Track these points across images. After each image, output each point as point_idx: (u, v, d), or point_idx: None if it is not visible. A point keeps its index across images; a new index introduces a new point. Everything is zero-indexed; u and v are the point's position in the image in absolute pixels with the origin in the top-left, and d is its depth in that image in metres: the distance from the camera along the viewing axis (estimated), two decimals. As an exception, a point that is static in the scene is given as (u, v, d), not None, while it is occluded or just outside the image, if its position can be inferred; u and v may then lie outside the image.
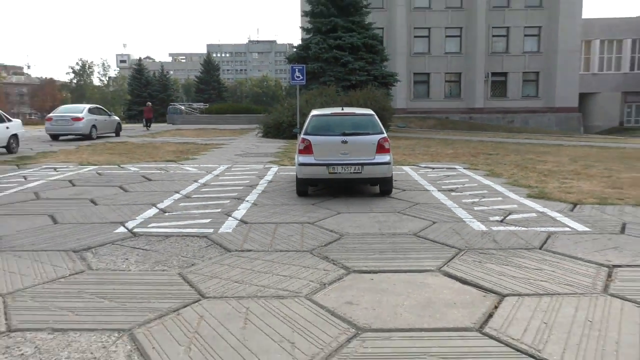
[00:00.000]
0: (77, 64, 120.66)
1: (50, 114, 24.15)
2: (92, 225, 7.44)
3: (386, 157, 9.26)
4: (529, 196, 9.49)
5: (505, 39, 41.33)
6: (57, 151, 18.59)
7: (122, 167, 14.07)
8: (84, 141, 23.02)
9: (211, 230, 7.11)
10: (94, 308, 4.43)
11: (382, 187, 9.58)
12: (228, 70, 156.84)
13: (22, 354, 3.61)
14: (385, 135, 9.42)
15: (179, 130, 33.46)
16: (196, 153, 17.97)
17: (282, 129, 24.23)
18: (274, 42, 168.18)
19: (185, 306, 4.45)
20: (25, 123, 28.01)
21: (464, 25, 40.92)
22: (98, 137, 24.47)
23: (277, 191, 10.27)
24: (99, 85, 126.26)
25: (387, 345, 3.72)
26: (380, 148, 9.23)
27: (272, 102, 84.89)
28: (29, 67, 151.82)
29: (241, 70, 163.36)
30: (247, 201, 9.22)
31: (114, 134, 26.42)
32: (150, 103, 40.42)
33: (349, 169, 9.08)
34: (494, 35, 41.18)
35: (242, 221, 7.67)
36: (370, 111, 10.30)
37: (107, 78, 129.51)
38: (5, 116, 17.62)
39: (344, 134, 9.25)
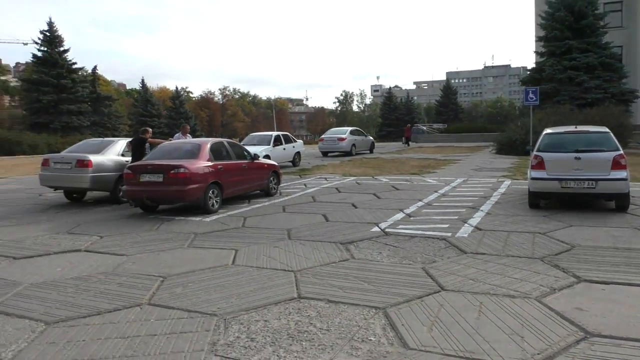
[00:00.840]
0: (341, 94, 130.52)
1: (322, 136, 26.83)
2: (353, 224, 8.17)
3: (622, 174, 8.27)
4: None
5: None
6: (326, 165, 20.54)
7: (375, 178, 14.98)
8: (345, 157, 24.94)
9: (449, 234, 7.24)
10: (357, 288, 4.93)
11: (618, 202, 8.55)
12: (465, 93, 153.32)
13: (309, 315, 4.25)
14: (621, 152, 8.42)
15: (421, 147, 34.01)
16: (436, 167, 18.16)
17: (515, 146, 22.99)
18: (508, 66, 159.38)
19: (427, 295, 4.68)
20: (304, 143, 31.39)
21: None
22: (356, 154, 26.28)
23: (509, 203, 9.91)
24: (357, 111, 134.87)
25: (616, 351, 3.44)
26: (616, 164, 8.28)
27: (506, 122, 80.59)
28: (306, 99, 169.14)
29: (477, 93, 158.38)
30: (482, 210, 9.09)
31: (368, 151, 28.05)
32: (409, 124, 42.17)
33: (582, 184, 8.35)
34: None
35: (477, 228, 7.63)
36: (605, 128, 9.29)
37: (363, 105, 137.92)
38: (293, 138, 20.20)
39: (577, 151, 8.52)
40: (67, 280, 5.45)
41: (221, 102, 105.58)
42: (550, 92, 27.25)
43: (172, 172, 8.90)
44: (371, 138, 28.84)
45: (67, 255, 6.64)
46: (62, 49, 45.30)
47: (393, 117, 77.62)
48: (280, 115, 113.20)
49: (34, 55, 44.99)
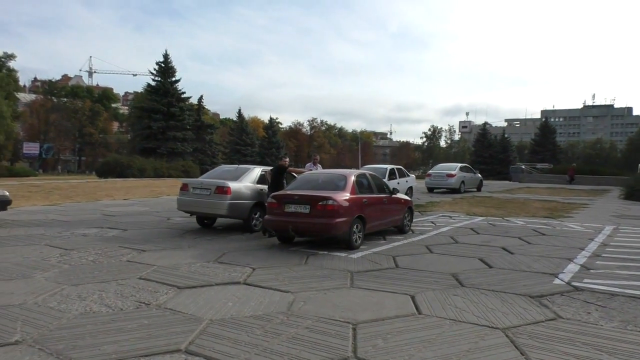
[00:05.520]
0: (429, 129, 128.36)
1: (430, 171, 25.86)
2: (525, 274, 7.21)
3: None
4: None
5: None
6: (439, 202, 19.54)
7: (506, 220, 13.82)
8: (454, 194, 23.75)
9: (658, 296, 6.11)
10: (589, 358, 4.05)
11: None
12: (560, 133, 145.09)
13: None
14: None
15: (530, 188, 31.93)
16: (567, 211, 16.59)
17: (650, 191, 20.76)
18: (610, 106, 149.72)
19: None
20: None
21: None
22: (465, 191, 25.00)
23: (697, 260, 8.46)
24: (444, 147, 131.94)
25: None
26: None
27: (605, 164, 75.10)
28: (390, 133, 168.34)
29: (574, 133, 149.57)
30: (670, 267, 7.78)
31: (475, 189, 26.66)
32: (574, 164, 42.19)
33: None
34: None
35: (688, 290, 6.41)
36: None
37: (450, 141, 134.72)
38: (406, 172, 19.46)
39: None
40: (247, 318, 5.00)
41: (309, 134, 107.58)
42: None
43: (320, 203, 8.45)
44: (480, 176, 27.39)
45: (229, 287, 6.27)
46: (173, 79, 48.13)
47: (487, 155, 74.87)
48: (365, 148, 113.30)
49: (149, 85, 48.20)
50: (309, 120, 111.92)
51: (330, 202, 8.44)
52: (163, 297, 5.75)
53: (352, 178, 9.32)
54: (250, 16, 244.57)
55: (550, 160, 69.15)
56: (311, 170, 12.15)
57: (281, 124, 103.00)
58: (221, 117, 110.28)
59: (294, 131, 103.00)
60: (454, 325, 4.87)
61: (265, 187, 10.89)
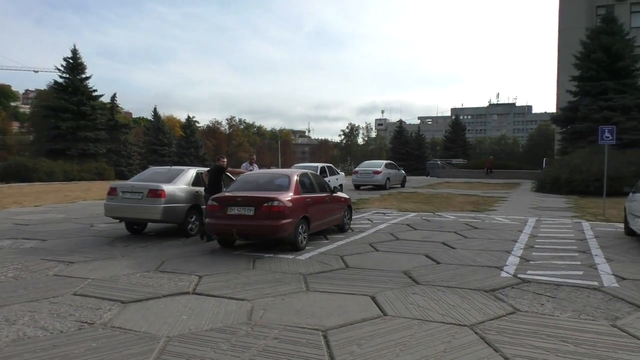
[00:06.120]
0: (347, 127, 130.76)
1: (356, 168, 26.15)
2: (473, 268, 7.38)
3: None
4: None
5: None
6: (369, 198, 19.79)
7: (438, 215, 14.24)
8: (381, 191, 24.19)
9: (596, 283, 6.46)
10: (566, 352, 4.15)
11: None
12: (469, 130, 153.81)
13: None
14: None
15: (448, 183, 33.34)
16: (489, 204, 17.44)
17: (558, 184, 22.32)
18: (513, 104, 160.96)
19: None
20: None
21: None
22: (390, 188, 25.54)
23: (616, 247, 9.12)
24: (361, 144, 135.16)
25: None
26: None
27: (510, 159, 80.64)
28: (309, 131, 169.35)
29: (481, 130, 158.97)
30: (597, 255, 8.32)
31: (400, 185, 27.30)
32: (492, 157, 47.19)
33: None
34: None
35: (618, 276, 6.85)
36: None
37: (367, 138, 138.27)
38: (336, 170, 19.54)
39: None
40: (208, 332, 4.65)
41: (227, 132, 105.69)
42: (585, 131, 26.82)
43: (266, 205, 8.16)
44: (403, 172, 28.14)
45: (179, 299, 5.84)
46: (83, 76, 45.10)
47: (404, 152, 77.38)
48: (284, 147, 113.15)
49: (56, 82, 44.78)
50: (227, 119, 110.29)
51: (276, 203, 8.18)
52: (107, 314, 5.23)
53: (295, 178, 9.10)
54: (163, 12, 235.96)
55: (461, 155, 72.79)
56: (248, 170, 11.76)
57: (198, 122, 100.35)
58: (134, 116, 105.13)
59: (212, 130, 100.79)
60: (423, 325, 4.83)
61: (201, 189, 10.38)
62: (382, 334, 4.59)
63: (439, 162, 54.43)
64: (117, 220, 10.81)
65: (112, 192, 10.15)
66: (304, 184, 9.35)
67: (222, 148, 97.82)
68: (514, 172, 39.26)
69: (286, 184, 8.89)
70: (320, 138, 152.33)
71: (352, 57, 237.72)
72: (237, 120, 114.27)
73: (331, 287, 6.28)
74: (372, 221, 12.83)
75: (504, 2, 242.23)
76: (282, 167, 67.54)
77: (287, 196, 8.50)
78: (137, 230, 10.91)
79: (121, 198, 9.96)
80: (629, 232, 10.32)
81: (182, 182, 10.29)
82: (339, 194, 10.95)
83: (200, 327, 4.79)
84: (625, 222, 10.57)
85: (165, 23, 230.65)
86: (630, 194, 10.36)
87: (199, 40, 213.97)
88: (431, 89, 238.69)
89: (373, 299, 5.76)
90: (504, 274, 7.00)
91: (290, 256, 8.23)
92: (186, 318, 5.09)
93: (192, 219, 10.28)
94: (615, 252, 8.66)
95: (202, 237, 9.81)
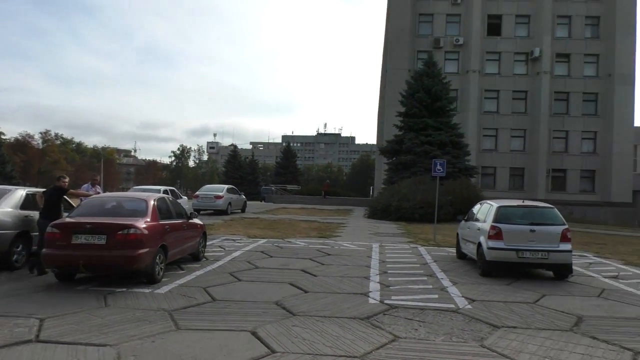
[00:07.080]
0: (178, 149, 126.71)
1: (197, 192, 25.10)
2: (341, 296, 7.48)
3: (568, 246, 9.12)
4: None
5: (565, 140, 40.50)
6: (213, 224, 19.07)
7: (288, 241, 14.31)
8: (222, 216, 23.59)
9: (452, 306, 7.04)
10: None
11: (562, 271, 9.28)
12: (299, 157, 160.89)
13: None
14: (567, 226, 9.29)
15: (285, 208, 34.00)
16: (332, 230, 18.15)
17: (389, 211, 24.27)
18: (338, 134, 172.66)
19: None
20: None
21: (528, 128, 40.52)
22: (231, 213, 25.04)
23: (454, 270, 10.11)
24: (193, 167, 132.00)
25: None
26: (564, 237, 9.11)
27: (335, 186, 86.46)
28: (135, 150, 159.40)
29: (309, 157, 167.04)
30: (442, 279, 9.11)
31: (240, 210, 26.95)
32: (328, 181, 51.00)
33: (536, 254, 8.96)
34: (554, 137, 40.49)
35: (467, 298, 7.55)
36: (550, 205, 10.19)
37: (198, 161, 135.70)
38: (179, 194, 18.50)
39: (532, 224, 9.18)
40: (74, 389, 3.87)
41: (41, 147, 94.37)
42: (409, 162, 29.80)
43: (120, 233, 7.27)
44: (244, 197, 27.93)
45: (19, 349, 4.82)
46: None
47: (237, 176, 77.23)
48: (108, 166, 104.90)
49: None
50: (41, 133, 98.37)
51: (132, 230, 7.34)
52: None
53: (152, 202, 8.32)
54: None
55: (292, 181, 75.43)
56: (90, 193, 10.44)
57: (4, 134, 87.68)
58: None
59: (22, 144, 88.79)
60: (318, 360, 4.67)
61: (31, 213, 8.90)
62: (279, 374, 4.32)
63: (273, 188, 55.52)
64: None
65: None
66: (161, 210, 8.60)
67: (33, 164, 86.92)
68: (344, 198, 41.87)
69: (142, 208, 8.07)
70: (147, 158, 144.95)
71: (184, 77, 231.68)
72: (53, 134, 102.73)
73: (204, 324, 5.79)
74: (224, 248, 12.36)
75: (333, 39, 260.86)
76: (106, 189, 62.17)
77: (144, 223, 7.71)
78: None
79: None
80: (460, 255, 11.57)
81: (7, 204, 8.70)
82: (195, 220, 10.33)
83: (60, 385, 3.97)
84: (458, 246, 11.83)
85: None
86: (463, 221, 11.65)
87: (8, 40, 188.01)
88: (263, 115, 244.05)
89: (254, 334, 5.44)
90: (371, 301, 7.22)
91: (147, 290, 7.44)
92: (37, 374, 4.19)
93: (19, 249, 8.72)
94: (456, 274, 9.59)
95: (32, 269, 8.38)
